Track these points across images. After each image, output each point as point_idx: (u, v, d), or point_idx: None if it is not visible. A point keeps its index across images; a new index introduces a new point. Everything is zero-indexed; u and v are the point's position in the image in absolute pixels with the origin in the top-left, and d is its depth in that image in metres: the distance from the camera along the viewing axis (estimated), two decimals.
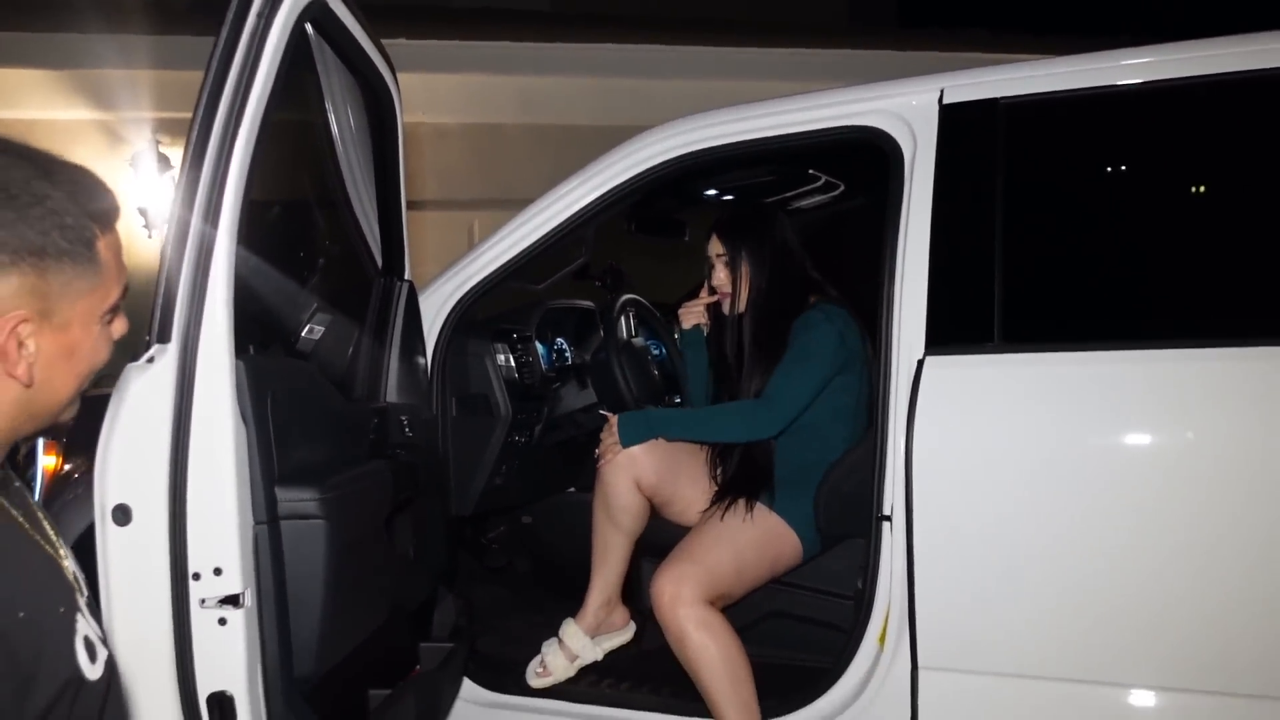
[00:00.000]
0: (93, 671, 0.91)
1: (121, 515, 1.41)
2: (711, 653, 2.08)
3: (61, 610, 0.89)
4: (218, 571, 1.45)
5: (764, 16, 9.18)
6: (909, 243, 2.01)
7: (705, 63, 6.55)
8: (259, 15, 1.42)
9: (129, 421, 1.41)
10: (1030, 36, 7.47)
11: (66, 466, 2.58)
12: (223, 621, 1.45)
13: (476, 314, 2.57)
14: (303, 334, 2.11)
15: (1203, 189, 2.03)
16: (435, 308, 2.42)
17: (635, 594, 2.57)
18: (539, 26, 6.68)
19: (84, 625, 0.92)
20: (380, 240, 2.24)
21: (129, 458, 1.42)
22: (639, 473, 2.38)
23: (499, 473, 2.62)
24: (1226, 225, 1.96)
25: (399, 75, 2.19)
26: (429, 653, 2.21)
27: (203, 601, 1.44)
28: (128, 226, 6.42)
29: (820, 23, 9.58)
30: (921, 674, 1.95)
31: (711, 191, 3.03)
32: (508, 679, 2.38)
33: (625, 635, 2.50)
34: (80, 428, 2.39)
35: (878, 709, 2.00)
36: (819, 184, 3.13)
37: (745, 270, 2.42)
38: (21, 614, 0.83)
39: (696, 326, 2.69)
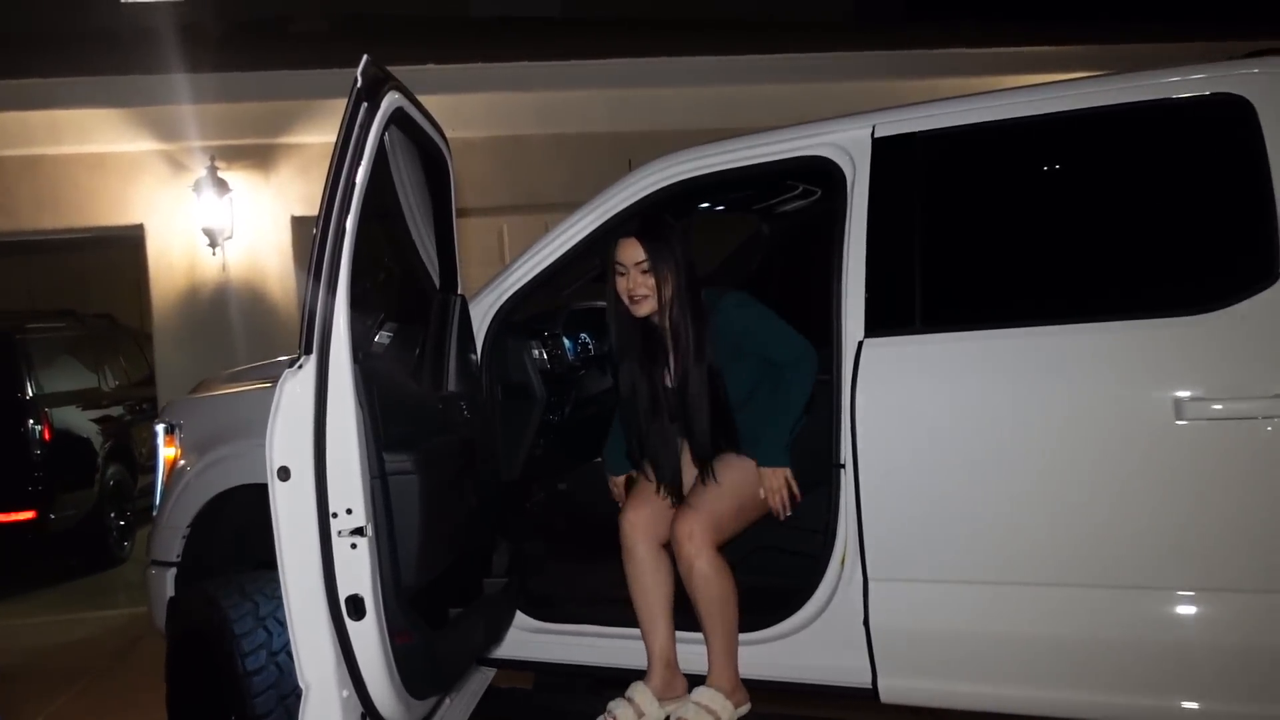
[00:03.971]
0: None
1: (284, 473, 2.00)
2: (713, 585, 2.57)
3: None
4: (349, 511, 2.04)
5: (770, 17, 9.48)
6: (851, 249, 2.51)
7: (710, 70, 6.96)
8: (361, 126, 2.02)
9: (287, 408, 2.00)
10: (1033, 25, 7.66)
11: (181, 461, 3.14)
12: (354, 546, 2.04)
13: (514, 317, 3.07)
14: (375, 339, 2.69)
15: (1066, 201, 2.51)
16: (481, 314, 2.93)
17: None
18: (555, 42, 7.13)
19: None
20: (439, 264, 2.81)
21: (287, 433, 2.00)
22: (656, 531, 2.71)
23: (538, 445, 3.19)
24: (1087, 230, 2.46)
25: (429, 99, 2.58)
26: (490, 585, 2.79)
27: (339, 532, 2.03)
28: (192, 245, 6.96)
29: (828, 21, 9.87)
30: (871, 584, 2.45)
31: (704, 205, 3.58)
32: (549, 611, 2.88)
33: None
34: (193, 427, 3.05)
35: (842, 611, 2.50)
36: (798, 191, 3.66)
37: (667, 274, 2.63)
38: None
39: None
